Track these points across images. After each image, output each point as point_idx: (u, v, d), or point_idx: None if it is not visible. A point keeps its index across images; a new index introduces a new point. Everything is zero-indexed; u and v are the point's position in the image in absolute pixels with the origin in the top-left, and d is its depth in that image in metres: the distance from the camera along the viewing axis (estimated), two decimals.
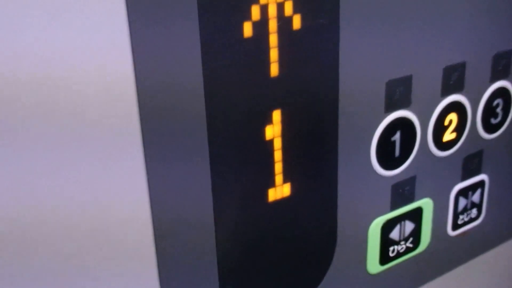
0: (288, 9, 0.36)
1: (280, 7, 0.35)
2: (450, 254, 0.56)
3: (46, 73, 0.29)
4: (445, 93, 0.47)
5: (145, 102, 0.32)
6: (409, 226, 0.50)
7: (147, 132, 0.33)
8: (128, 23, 0.31)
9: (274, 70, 0.36)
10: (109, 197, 0.33)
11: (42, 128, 0.29)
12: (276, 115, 0.38)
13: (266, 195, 0.40)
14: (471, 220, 0.56)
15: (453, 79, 0.47)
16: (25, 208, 0.30)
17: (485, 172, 0.55)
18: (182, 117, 0.34)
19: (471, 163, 0.53)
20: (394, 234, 0.50)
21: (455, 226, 0.55)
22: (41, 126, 0.29)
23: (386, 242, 0.49)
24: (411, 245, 0.51)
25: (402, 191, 0.49)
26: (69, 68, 0.29)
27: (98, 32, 0.30)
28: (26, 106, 0.29)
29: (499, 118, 0.53)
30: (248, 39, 0.35)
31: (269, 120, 0.38)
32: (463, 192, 0.54)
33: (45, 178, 0.30)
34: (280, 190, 0.40)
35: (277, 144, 0.39)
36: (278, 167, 0.39)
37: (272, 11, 0.35)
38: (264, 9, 0.35)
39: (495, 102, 0.51)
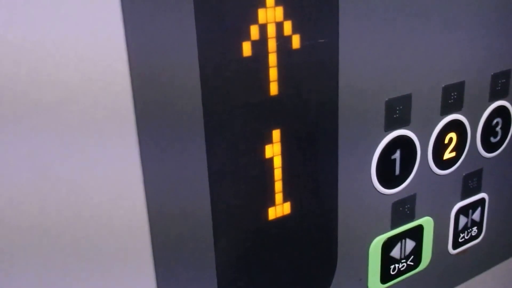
0: (287, 28, 0.36)
1: (279, 26, 0.36)
2: (451, 272, 0.56)
3: (40, 71, 0.29)
4: (445, 112, 0.47)
5: (144, 122, 0.33)
6: (409, 244, 0.50)
7: (145, 151, 0.33)
8: (127, 52, 0.31)
9: (273, 89, 0.37)
10: (104, 204, 0.33)
11: (36, 126, 0.30)
12: (276, 133, 0.38)
13: (266, 213, 0.40)
14: (472, 238, 0.56)
15: (453, 98, 0.47)
16: (19, 208, 0.31)
17: (485, 191, 0.55)
18: (181, 136, 0.34)
19: (471, 182, 0.53)
20: (395, 252, 0.50)
21: (456, 244, 0.55)
22: (36, 124, 0.29)
23: (387, 260, 0.49)
24: (412, 263, 0.51)
25: (403, 209, 0.49)
26: (63, 66, 0.29)
27: (97, 61, 0.30)
28: (17, 104, 0.29)
29: (498, 137, 0.53)
30: (247, 58, 0.35)
31: (269, 139, 0.38)
32: (464, 210, 0.54)
33: (39, 176, 0.30)
34: (280, 209, 0.40)
35: (277, 162, 0.39)
36: (278, 185, 0.40)
37: (271, 30, 0.35)
38: (263, 28, 0.35)
39: (495, 121, 0.52)
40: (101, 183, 0.32)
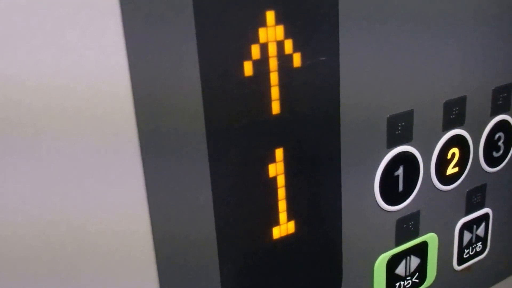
0: (288, 47, 0.36)
1: (280, 45, 0.36)
2: None
3: (40, 76, 0.29)
4: (447, 127, 0.47)
5: (148, 146, 0.33)
6: (414, 261, 0.50)
7: (149, 173, 0.33)
8: (130, 75, 0.31)
9: (275, 108, 0.37)
10: (107, 219, 0.33)
11: (38, 132, 0.29)
12: (279, 152, 0.38)
13: (270, 232, 0.39)
14: (476, 254, 0.56)
15: (454, 113, 0.47)
16: (22, 213, 0.30)
17: (488, 206, 0.54)
18: (184, 158, 0.34)
19: (474, 197, 0.53)
20: (400, 270, 0.49)
21: (461, 260, 0.55)
22: (37, 129, 0.29)
23: (392, 278, 0.49)
24: (417, 280, 0.51)
25: (407, 226, 0.48)
26: (64, 71, 0.29)
27: (99, 75, 0.30)
28: (19, 109, 0.29)
29: (501, 151, 0.53)
30: (249, 78, 0.35)
31: (272, 158, 0.38)
32: (468, 226, 0.53)
33: (41, 184, 0.30)
34: (284, 228, 0.40)
35: (280, 181, 0.39)
36: (282, 204, 0.39)
37: (272, 49, 0.35)
38: (264, 48, 0.35)
39: (497, 136, 0.52)
40: (106, 208, 0.32)
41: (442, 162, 0.48)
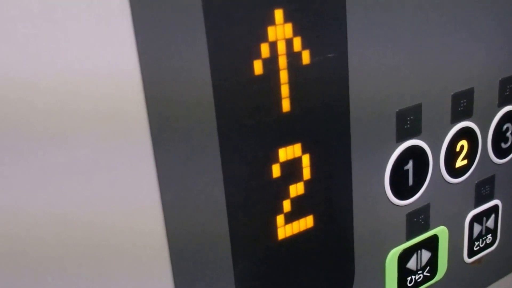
0: (297, 45, 0.36)
1: (289, 43, 0.35)
2: (468, 281, 0.56)
3: (54, 78, 0.29)
4: (455, 119, 0.47)
5: (160, 145, 0.33)
6: (425, 255, 0.50)
7: (162, 171, 0.33)
8: (141, 76, 0.31)
9: (286, 105, 0.37)
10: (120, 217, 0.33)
11: (52, 132, 0.29)
12: (290, 149, 0.38)
13: (282, 229, 0.40)
14: (487, 246, 0.56)
15: (462, 105, 0.47)
16: (37, 214, 0.30)
17: (498, 197, 0.54)
18: (197, 157, 0.34)
19: (483, 189, 0.53)
20: (411, 264, 0.49)
21: (471, 253, 0.55)
22: (52, 129, 0.29)
23: (403, 272, 0.49)
24: (428, 274, 0.51)
25: (417, 220, 0.48)
26: (77, 75, 0.29)
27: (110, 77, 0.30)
28: (31, 110, 0.29)
29: (509, 143, 0.53)
30: (259, 76, 0.35)
31: (283, 155, 0.38)
32: (478, 218, 0.53)
33: (55, 183, 0.30)
34: (296, 225, 0.40)
35: (293, 178, 0.39)
36: (292, 202, 0.39)
37: (281, 47, 0.35)
38: (273, 46, 0.35)
39: (505, 127, 0.51)
40: (120, 206, 0.32)
41: (451, 155, 0.48)
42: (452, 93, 0.46)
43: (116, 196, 0.32)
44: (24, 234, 0.30)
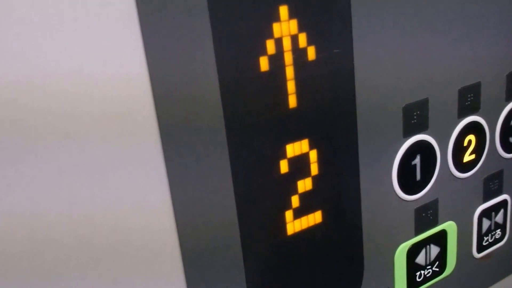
0: (302, 41, 0.36)
1: (294, 39, 0.36)
2: (477, 276, 0.56)
3: (63, 81, 0.29)
4: (462, 114, 0.47)
5: (168, 143, 0.33)
6: (434, 250, 0.50)
7: (172, 170, 0.33)
8: (149, 75, 0.31)
9: (292, 101, 0.37)
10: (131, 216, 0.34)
11: (61, 132, 0.30)
12: (298, 145, 0.38)
13: (291, 225, 0.40)
14: (496, 241, 0.56)
15: (469, 100, 0.47)
16: (50, 216, 0.31)
17: (506, 192, 0.54)
18: (205, 155, 0.34)
19: (492, 184, 0.53)
20: (420, 259, 0.49)
21: (480, 248, 0.54)
22: (61, 130, 0.30)
23: (412, 267, 0.49)
24: (437, 269, 0.51)
25: (426, 215, 0.48)
26: (86, 78, 0.30)
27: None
28: (39, 112, 0.29)
29: None
30: (265, 73, 0.35)
31: (291, 151, 0.38)
32: (486, 213, 0.53)
33: (65, 186, 0.31)
34: (305, 220, 0.40)
35: (301, 174, 0.39)
36: (301, 197, 0.39)
37: (287, 44, 0.35)
38: (278, 42, 0.35)
39: None
40: (130, 205, 0.33)
41: (459, 150, 0.48)
42: (459, 88, 0.46)
43: (127, 197, 0.33)
44: (37, 236, 0.31)
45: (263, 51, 0.35)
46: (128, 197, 0.33)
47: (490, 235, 0.55)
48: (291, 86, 0.36)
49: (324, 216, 0.41)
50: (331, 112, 0.39)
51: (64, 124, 0.30)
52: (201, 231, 0.36)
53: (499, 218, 0.55)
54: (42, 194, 0.30)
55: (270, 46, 0.35)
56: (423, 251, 0.49)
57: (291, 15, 0.35)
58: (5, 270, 0.30)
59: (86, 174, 0.31)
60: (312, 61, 0.37)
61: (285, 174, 0.38)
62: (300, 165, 0.39)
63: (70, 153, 0.30)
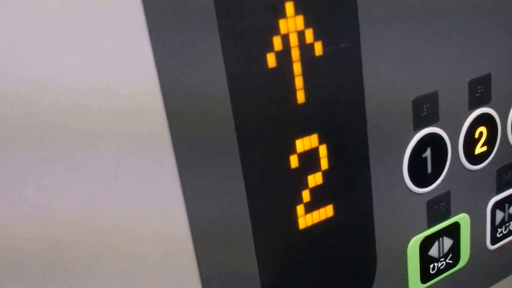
0: (309, 36, 0.36)
1: (301, 35, 0.36)
2: (491, 268, 0.55)
3: (73, 89, 0.30)
4: (473, 106, 0.47)
5: (179, 142, 0.33)
6: (447, 242, 0.50)
7: (183, 170, 0.34)
8: (158, 75, 0.32)
9: (300, 97, 0.37)
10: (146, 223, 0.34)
11: (75, 135, 0.30)
12: (307, 140, 0.38)
13: (303, 219, 0.40)
14: (510, 232, 0.55)
15: (479, 91, 0.47)
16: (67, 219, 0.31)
17: None
18: (216, 152, 0.35)
19: (505, 175, 0.52)
20: (433, 251, 0.49)
21: (494, 240, 0.54)
22: (73, 133, 0.30)
23: (425, 260, 0.49)
24: (451, 261, 0.51)
25: (438, 208, 0.48)
26: (98, 94, 0.30)
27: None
28: (51, 118, 0.30)
29: None
30: (273, 69, 0.35)
31: (300, 146, 0.38)
32: (500, 205, 0.53)
33: (78, 187, 0.31)
34: (316, 214, 0.41)
35: (311, 168, 0.39)
36: (311, 192, 0.40)
37: (294, 40, 0.36)
38: (285, 38, 0.35)
39: None
40: (143, 205, 0.33)
41: (470, 142, 0.48)
42: (469, 80, 0.46)
43: (140, 199, 0.33)
44: (43, 236, 0.31)
45: (270, 48, 0.35)
46: (141, 200, 0.33)
47: (504, 226, 0.55)
48: (299, 82, 0.37)
49: (335, 210, 0.41)
50: (339, 106, 0.39)
51: (76, 126, 0.30)
52: (214, 227, 0.36)
53: None
54: (52, 196, 0.31)
55: (277, 43, 0.35)
56: (436, 243, 0.49)
57: (297, 11, 0.35)
58: (22, 271, 0.31)
59: (99, 179, 0.32)
60: (320, 56, 0.37)
61: (295, 169, 0.39)
62: (310, 159, 0.39)
63: (82, 155, 0.31)
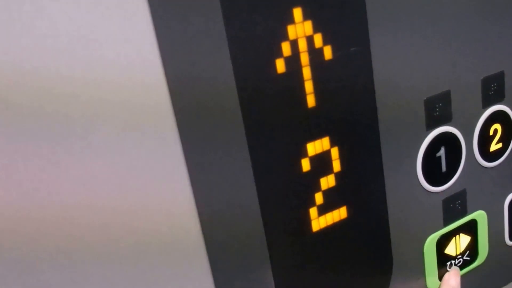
0: (318, 41, 0.37)
1: (310, 40, 0.36)
2: (511, 264, 0.55)
3: (78, 83, 0.30)
4: (486, 104, 0.47)
5: (190, 148, 0.34)
6: (464, 239, 0.50)
7: (194, 175, 0.35)
8: (167, 84, 0.32)
9: (311, 101, 0.37)
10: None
11: (82, 132, 0.31)
12: (318, 143, 0.39)
13: (318, 221, 0.40)
14: None
15: (493, 89, 0.47)
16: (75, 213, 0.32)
17: None
18: (226, 157, 0.35)
19: None
20: (450, 249, 0.49)
21: None
22: (81, 129, 0.31)
23: (442, 257, 0.49)
24: (468, 258, 0.51)
25: (454, 206, 0.48)
26: (106, 86, 0.31)
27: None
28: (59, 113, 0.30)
29: None
30: (282, 74, 0.36)
31: (312, 149, 0.39)
32: None
33: (89, 184, 0.32)
34: (330, 216, 0.41)
35: (323, 171, 0.39)
36: (324, 194, 0.40)
37: (303, 45, 0.36)
38: (294, 44, 0.36)
39: None
40: (154, 202, 0.34)
41: (485, 139, 0.48)
42: (482, 77, 0.46)
43: (152, 200, 0.34)
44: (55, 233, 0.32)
45: (279, 53, 0.35)
46: (152, 201, 0.34)
47: None
48: (309, 86, 0.37)
49: (349, 211, 0.42)
50: (350, 109, 0.40)
51: (84, 123, 0.31)
52: (226, 231, 0.37)
53: None
54: (61, 193, 0.31)
55: (286, 48, 0.35)
56: (453, 241, 0.49)
57: (305, 17, 0.36)
58: (38, 266, 0.32)
59: (109, 176, 0.32)
60: (329, 60, 0.37)
61: (307, 172, 0.39)
62: (322, 162, 0.39)
63: (90, 152, 0.31)
